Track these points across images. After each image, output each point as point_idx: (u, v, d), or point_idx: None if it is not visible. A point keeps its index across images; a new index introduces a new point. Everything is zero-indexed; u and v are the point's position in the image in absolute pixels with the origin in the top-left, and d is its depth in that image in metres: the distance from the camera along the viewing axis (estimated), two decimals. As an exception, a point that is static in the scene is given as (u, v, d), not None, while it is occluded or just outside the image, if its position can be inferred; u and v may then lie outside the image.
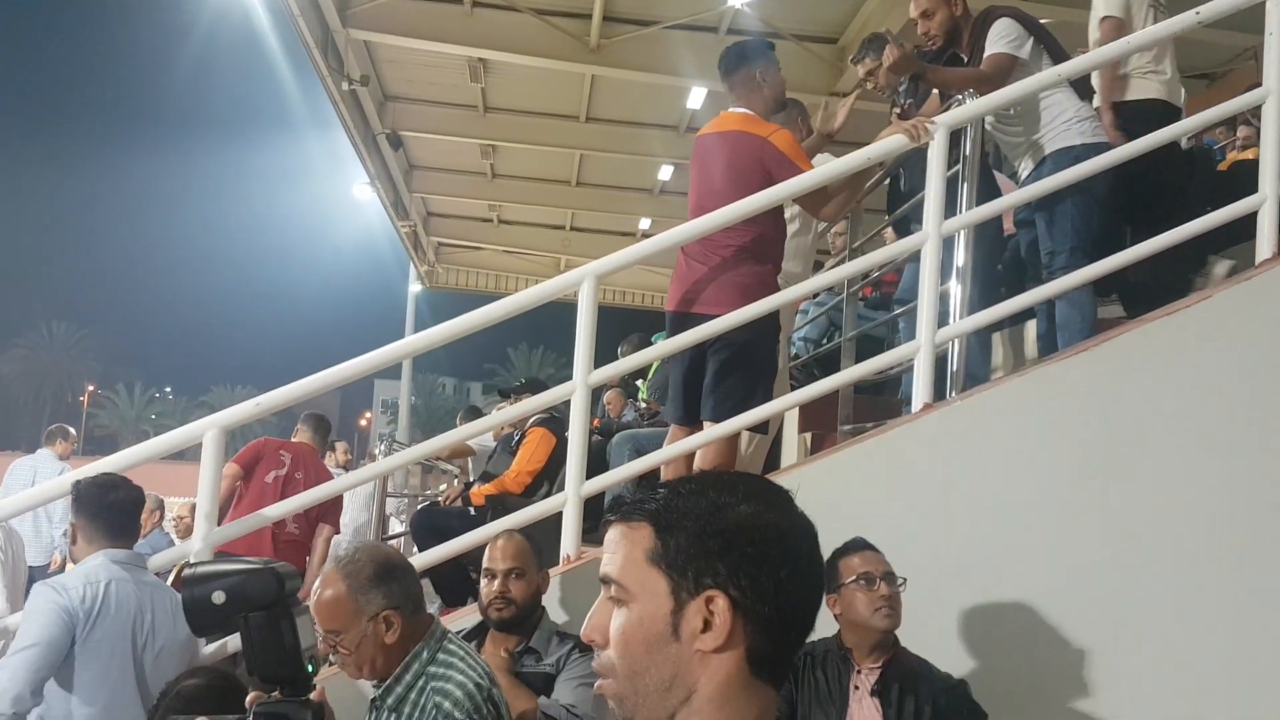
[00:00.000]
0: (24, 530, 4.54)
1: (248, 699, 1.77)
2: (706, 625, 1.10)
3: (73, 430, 8.15)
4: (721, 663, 1.10)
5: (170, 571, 3.99)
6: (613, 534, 1.17)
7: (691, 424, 3.97)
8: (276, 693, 1.95)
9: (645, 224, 15.55)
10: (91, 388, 79.34)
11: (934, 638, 3.08)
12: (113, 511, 3.18)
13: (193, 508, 7.39)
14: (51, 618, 2.94)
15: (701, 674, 1.11)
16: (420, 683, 2.35)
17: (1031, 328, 4.48)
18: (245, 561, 2.03)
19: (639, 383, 7.47)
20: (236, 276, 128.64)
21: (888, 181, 4.90)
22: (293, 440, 6.50)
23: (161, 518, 7.05)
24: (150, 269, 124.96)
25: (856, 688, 2.89)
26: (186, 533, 7.27)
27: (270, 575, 1.97)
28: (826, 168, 3.83)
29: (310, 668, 1.99)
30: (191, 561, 3.51)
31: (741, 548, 1.11)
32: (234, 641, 3.37)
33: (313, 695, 1.99)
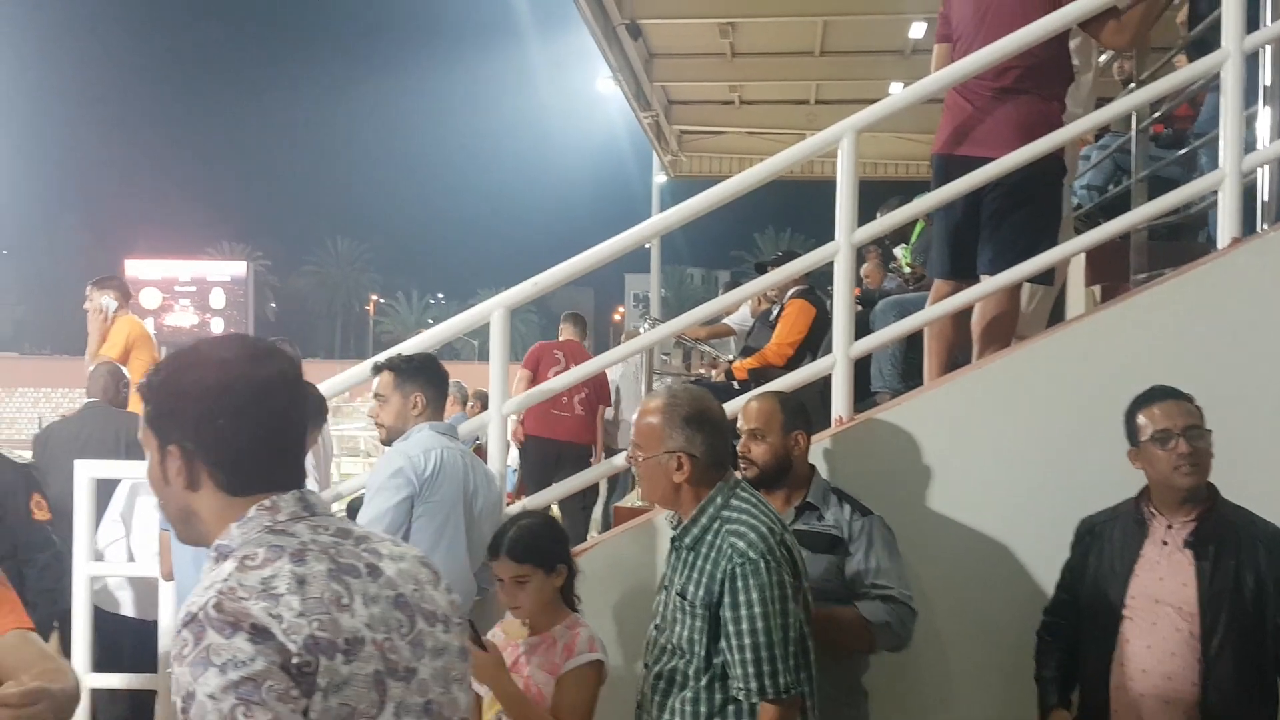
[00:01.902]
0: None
1: None
2: (178, 471, 1.44)
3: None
4: (205, 495, 1.45)
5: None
6: None
7: (959, 278, 3.79)
8: None
9: (896, 88, 14.81)
10: (375, 297, 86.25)
11: (1249, 490, 2.85)
12: (446, 382, 3.54)
13: (479, 394, 8.06)
14: (395, 498, 3.23)
15: (198, 503, 1.46)
16: (716, 525, 2.48)
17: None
18: None
19: (898, 250, 7.24)
20: (491, 183, 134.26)
21: (1186, 4, 4.41)
22: (560, 339, 7.89)
23: (463, 405, 7.69)
24: (415, 182, 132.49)
25: (1165, 543, 2.76)
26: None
27: None
28: (1112, -15, 3.49)
29: None
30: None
31: (185, 409, 1.44)
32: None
33: None
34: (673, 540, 2.60)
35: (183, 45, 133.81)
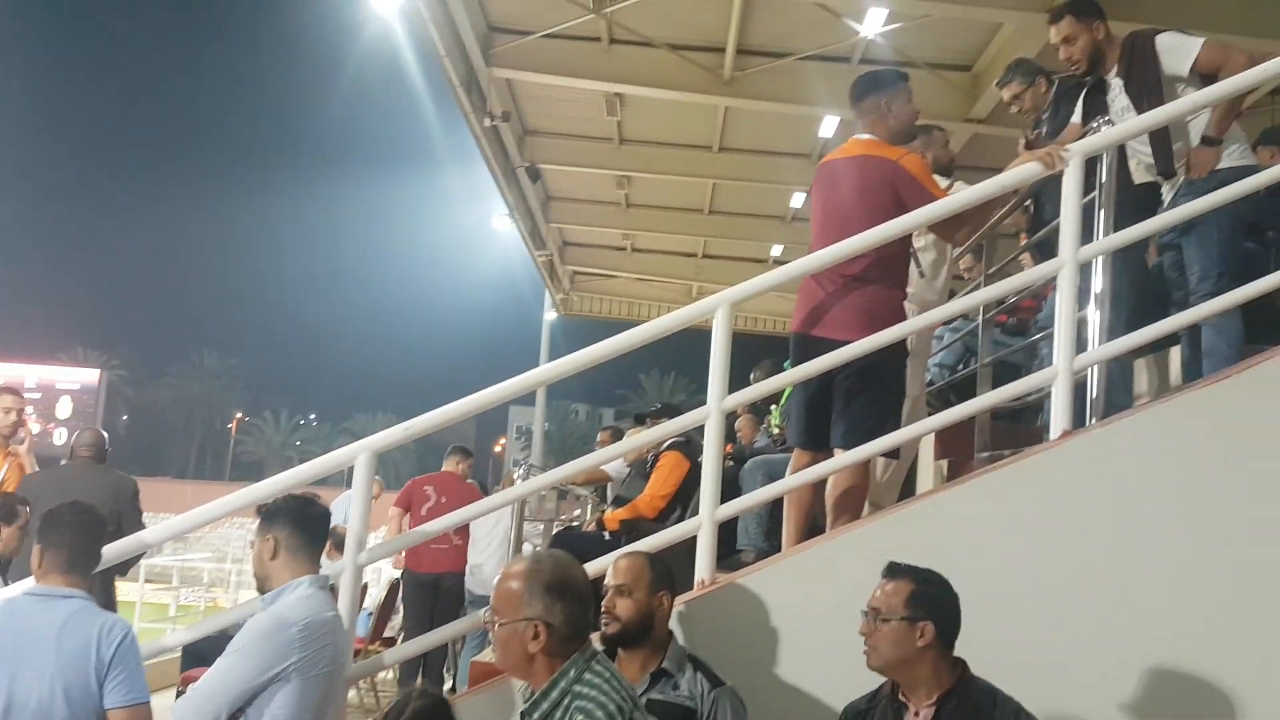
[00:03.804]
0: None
1: None
2: None
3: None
4: None
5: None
6: None
7: (814, 449, 4.00)
8: None
9: (777, 250, 15.60)
10: (239, 415, 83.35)
11: (1065, 672, 3.01)
12: (317, 524, 3.31)
13: (332, 533, 7.92)
14: (261, 664, 2.99)
15: None
16: (566, 700, 2.41)
17: (1175, 354, 4.37)
18: None
19: (771, 408, 7.52)
20: (377, 306, 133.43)
21: (1030, 207, 4.86)
22: (442, 470, 8.21)
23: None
24: (297, 299, 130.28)
25: None
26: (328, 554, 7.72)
27: None
28: (958, 196, 3.85)
29: None
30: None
31: None
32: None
33: None
34: (522, 714, 2.52)
35: (51, 142, 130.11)
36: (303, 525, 3.26)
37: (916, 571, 2.78)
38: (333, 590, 3.55)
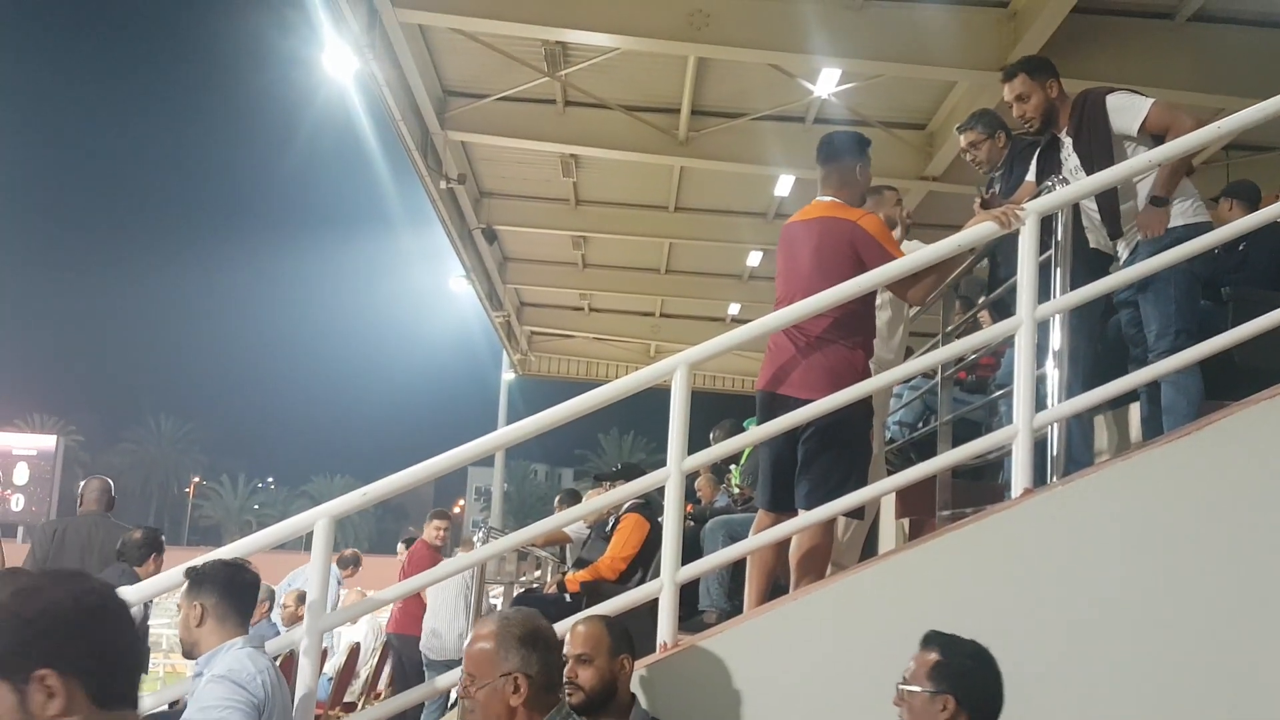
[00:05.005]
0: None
1: None
2: (51, 695, 1.37)
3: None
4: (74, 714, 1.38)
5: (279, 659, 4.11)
6: None
7: (780, 510, 3.97)
8: None
9: (734, 309, 15.68)
10: (197, 479, 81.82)
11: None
12: (246, 591, 3.30)
13: (297, 596, 7.72)
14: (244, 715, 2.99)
15: None
16: None
17: (1135, 410, 4.39)
18: None
19: (731, 468, 7.48)
20: (335, 369, 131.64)
21: (987, 264, 4.89)
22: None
23: (270, 608, 7.30)
24: (253, 363, 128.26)
25: None
26: (292, 620, 7.50)
27: None
28: (915, 255, 3.85)
29: None
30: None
31: (54, 629, 1.39)
32: None
33: None
34: None
35: (3, 209, 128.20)
36: (231, 592, 3.27)
37: (947, 642, 2.64)
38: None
